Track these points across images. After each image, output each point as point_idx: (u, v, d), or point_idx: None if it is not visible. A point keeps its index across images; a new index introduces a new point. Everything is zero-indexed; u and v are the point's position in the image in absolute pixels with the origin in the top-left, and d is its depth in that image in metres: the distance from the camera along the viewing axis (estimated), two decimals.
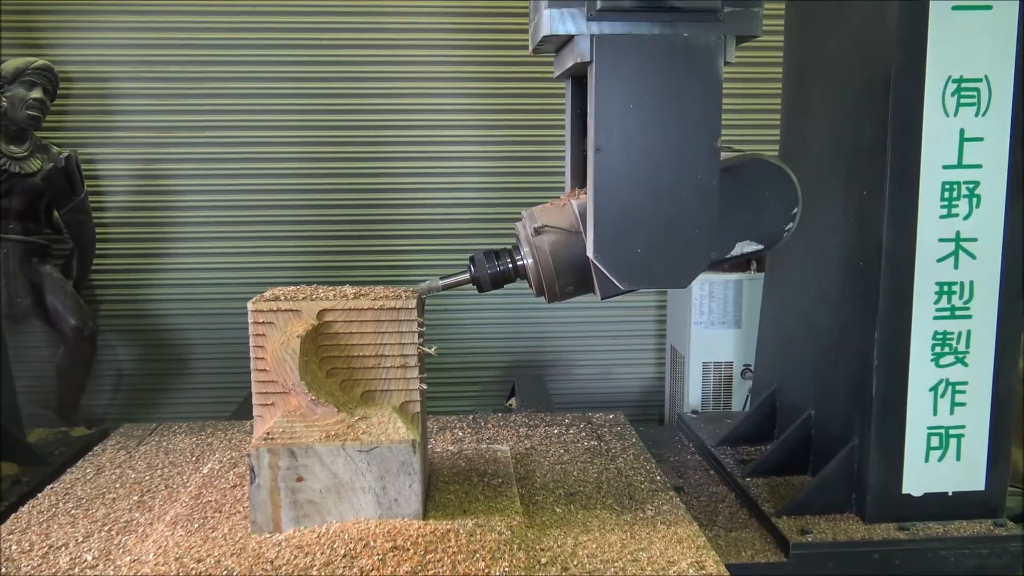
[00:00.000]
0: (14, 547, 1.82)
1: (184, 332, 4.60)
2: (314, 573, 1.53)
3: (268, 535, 1.69)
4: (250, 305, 1.73)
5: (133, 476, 2.29)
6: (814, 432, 2.58)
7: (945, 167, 2.18)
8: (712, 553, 1.75)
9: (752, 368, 3.49)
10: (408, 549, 1.60)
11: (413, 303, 1.75)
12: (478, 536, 1.69)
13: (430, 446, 2.38)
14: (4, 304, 3.80)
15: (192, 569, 1.57)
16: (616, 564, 1.69)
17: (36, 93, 3.83)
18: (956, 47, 2.12)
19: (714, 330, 4.07)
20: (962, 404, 2.27)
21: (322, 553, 1.59)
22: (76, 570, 1.71)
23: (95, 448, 2.56)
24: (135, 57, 4.36)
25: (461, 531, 1.69)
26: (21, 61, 3.86)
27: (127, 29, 4.34)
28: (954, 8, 2.10)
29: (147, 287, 4.55)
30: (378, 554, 1.58)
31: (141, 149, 4.44)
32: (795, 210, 1.82)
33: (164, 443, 2.60)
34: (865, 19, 2.29)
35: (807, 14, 2.70)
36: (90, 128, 4.40)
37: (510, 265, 1.88)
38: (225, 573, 1.55)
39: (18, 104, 3.79)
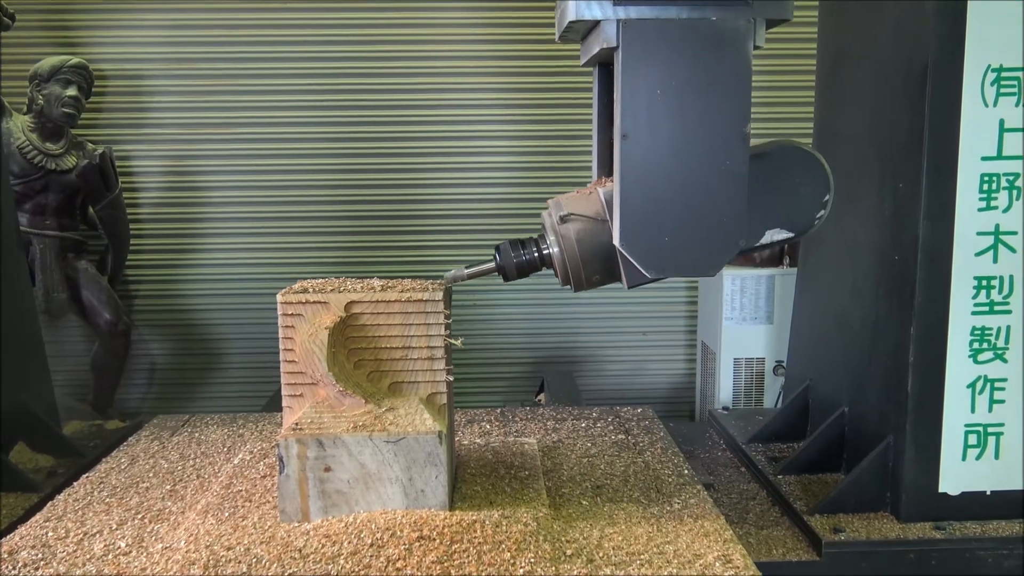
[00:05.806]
0: (50, 534, 1.85)
1: (216, 326, 4.65)
2: (341, 561, 1.55)
3: (297, 524, 1.71)
4: (279, 297, 1.74)
5: (166, 466, 2.34)
6: (848, 429, 2.54)
7: (984, 158, 2.12)
8: (739, 547, 1.74)
9: (784, 364, 3.44)
10: (434, 539, 1.61)
11: (440, 295, 1.76)
12: (504, 527, 1.69)
13: (457, 438, 2.38)
14: (41, 299, 3.87)
15: (222, 556, 1.60)
16: (642, 556, 1.69)
17: (71, 91, 3.88)
18: (996, 35, 2.07)
19: (746, 326, 4.03)
20: (1001, 401, 2.22)
21: (349, 542, 1.61)
22: (110, 556, 1.74)
23: (129, 439, 2.61)
24: (168, 55, 4.42)
25: (487, 522, 1.70)
26: (57, 59, 3.92)
27: (160, 27, 4.39)
28: None
29: (180, 282, 4.61)
30: (405, 544, 1.59)
31: (174, 146, 4.50)
32: (827, 196, 1.77)
33: (197, 434, 2.65)
34: (902, 5, 2.24)
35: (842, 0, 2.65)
36: (124, 125, 4.46)
37: (536, 254, 1.86)
38: (254, 560, 1.57)
39: (54, 102, 3.85)
